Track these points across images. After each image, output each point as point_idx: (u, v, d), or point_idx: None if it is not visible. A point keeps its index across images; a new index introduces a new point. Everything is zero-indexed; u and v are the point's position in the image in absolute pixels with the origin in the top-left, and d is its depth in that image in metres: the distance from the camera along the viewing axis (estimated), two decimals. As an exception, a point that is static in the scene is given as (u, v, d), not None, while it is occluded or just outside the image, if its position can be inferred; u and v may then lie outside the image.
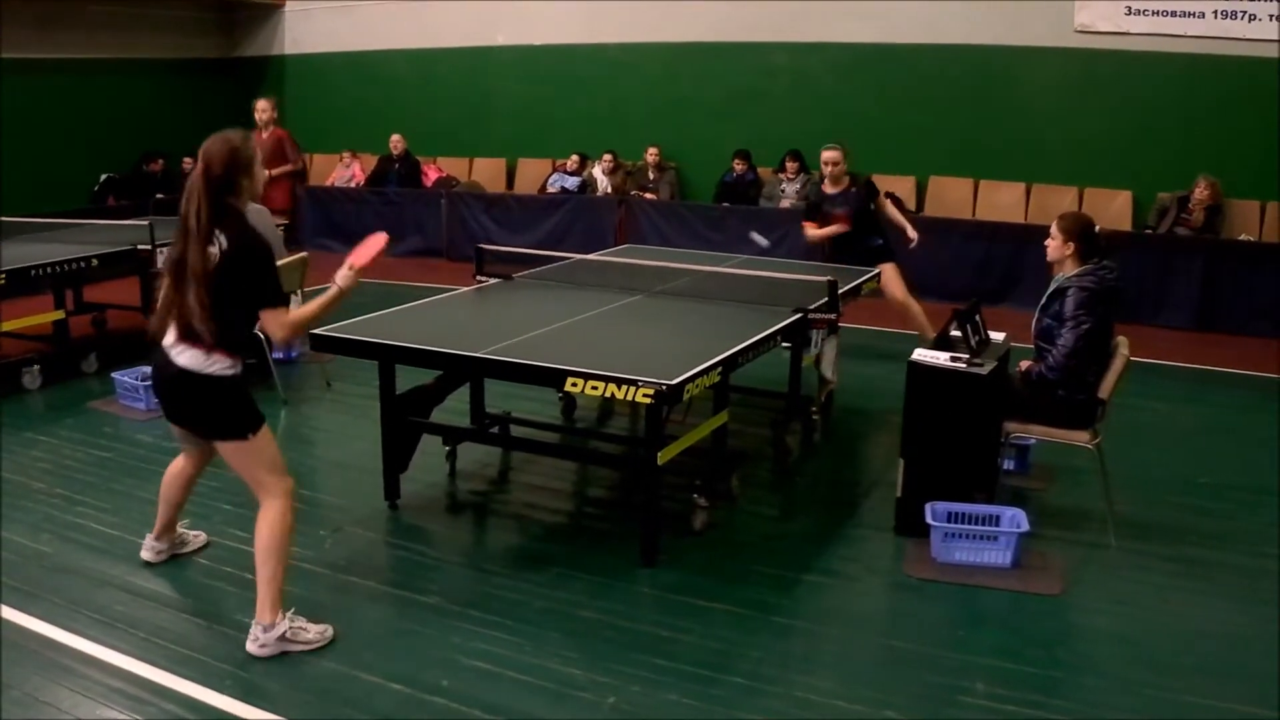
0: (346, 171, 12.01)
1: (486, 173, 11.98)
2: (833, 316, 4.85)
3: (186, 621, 3.59)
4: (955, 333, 4.35)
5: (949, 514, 4.06)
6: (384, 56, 12.47)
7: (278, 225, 6.03)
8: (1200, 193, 8.60)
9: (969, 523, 4.03)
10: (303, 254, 6.31)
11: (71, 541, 4.16)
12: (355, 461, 5.10)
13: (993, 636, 3.55)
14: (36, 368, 6.24)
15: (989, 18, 9.54)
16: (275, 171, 7.79)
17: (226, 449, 3.35)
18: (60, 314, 6.77)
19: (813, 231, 6.67)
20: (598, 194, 10.81)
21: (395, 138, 11.46)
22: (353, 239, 3.38)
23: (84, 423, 5.63)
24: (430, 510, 4.61)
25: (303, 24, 13.03)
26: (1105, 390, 4.23)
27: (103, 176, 11.75)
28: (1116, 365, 4.23)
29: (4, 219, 7.23)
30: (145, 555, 3.94)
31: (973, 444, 4.21)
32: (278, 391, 5.99)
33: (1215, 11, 8.78)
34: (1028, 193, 9.71)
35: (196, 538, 4.09)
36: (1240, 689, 3.21)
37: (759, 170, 10.42)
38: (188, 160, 10.94)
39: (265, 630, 3.31)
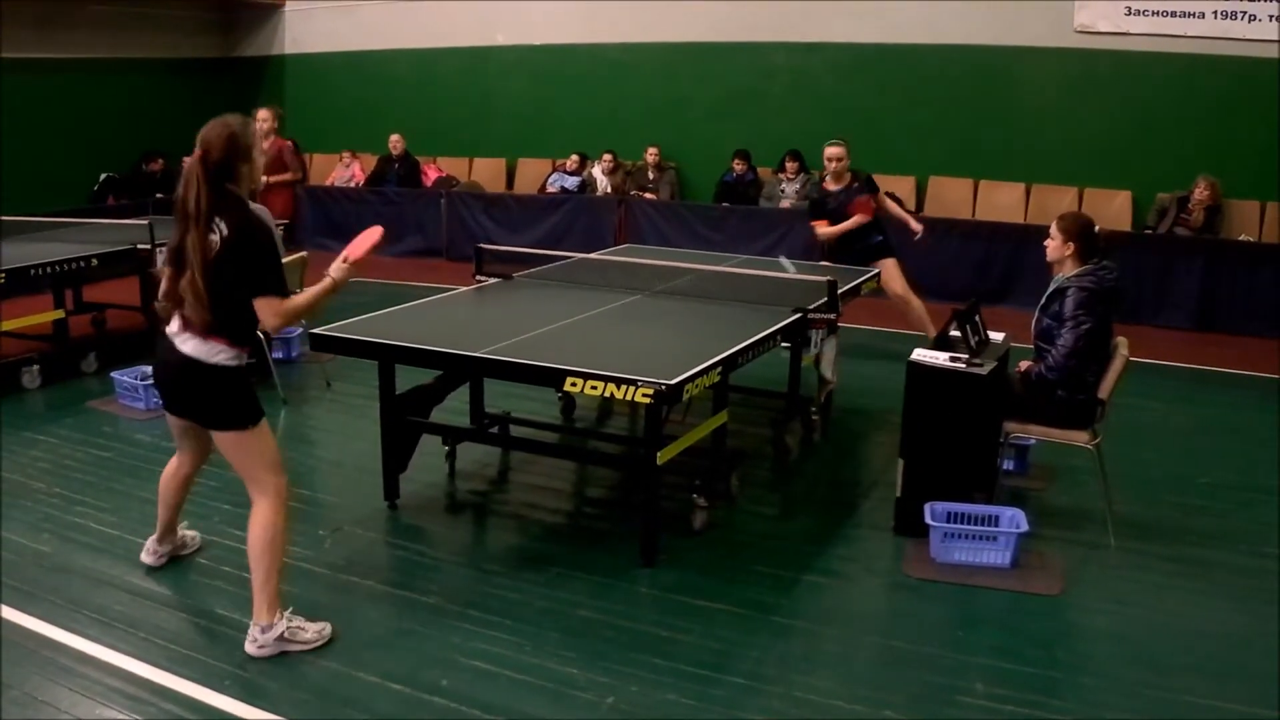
0: (346, 171, 12.01)
1: (486, 172, 11.98)
2: (832, 316, 4.85)
3: (186, 621, 3.59)
4: (955, 333, 4.35)
5: (948, 514, 4.06)
6: (384, 56, 12.46)
7: (277, 225, 6.03)
8: (1200, 193, 8.60)
9: (968, 523, 4.03)
10: (302, 253, 6.32)
11: (71, 541, 4.16)
12: (355, 461, 5.10)
13: (992, 636, 3.55)
14: (36, 367, 6.24)
15: (989, 18, 9.54)
16: (274, 179, 7.80)
17: (224, 441, 3.32)
18: (60, 313, 6.77)
19: (825, 229, 6.66)
20: (597, 194, 10.81)
21: (394, 138, 11.47)
22: (352, 239, 3.38)
23: (83, 422, 5.63)
24: (430, 510, 4.61)
25: (303, 24, 13.02)
26: (1105, 390, 4.23)
27: (102, 176, 11.75)
28: (1116, 365, 4.23)
29: (4, 218, 7.24)
30: (146, 559, 3.91)
31: (972, 444, 4.21)
32: (278, 391, 6.00)
33: (1215, 12, 8.78)
34: (1027, 193, 9.71)
35: (194, 540, 4.08)
36: (1239, 689, 3.21)
37: (759, 170, 10.42)
38: (187, 160, 10.90)
39: (263, 631, 3.30)
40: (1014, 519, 4.00)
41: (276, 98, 12.43)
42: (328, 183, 12.01)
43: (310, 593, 3.72)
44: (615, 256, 6.43)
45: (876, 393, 6.20)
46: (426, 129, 11.99)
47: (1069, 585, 3.90)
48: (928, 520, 4.02)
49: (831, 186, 6.75)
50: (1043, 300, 4.39)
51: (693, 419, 4.73)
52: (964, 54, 9.72)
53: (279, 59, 13.27)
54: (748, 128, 10.60)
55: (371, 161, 11.88)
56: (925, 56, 9.88)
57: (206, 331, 3.16)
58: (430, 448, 4.76)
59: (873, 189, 6.75)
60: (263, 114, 8.32)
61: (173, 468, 3.76)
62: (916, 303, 6.92)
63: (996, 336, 4.51)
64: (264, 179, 5.68)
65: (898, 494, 4.31)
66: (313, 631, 3.39)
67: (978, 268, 8.80)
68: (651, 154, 10.75)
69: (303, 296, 3.28)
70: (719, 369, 3.93)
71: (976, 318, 4.38)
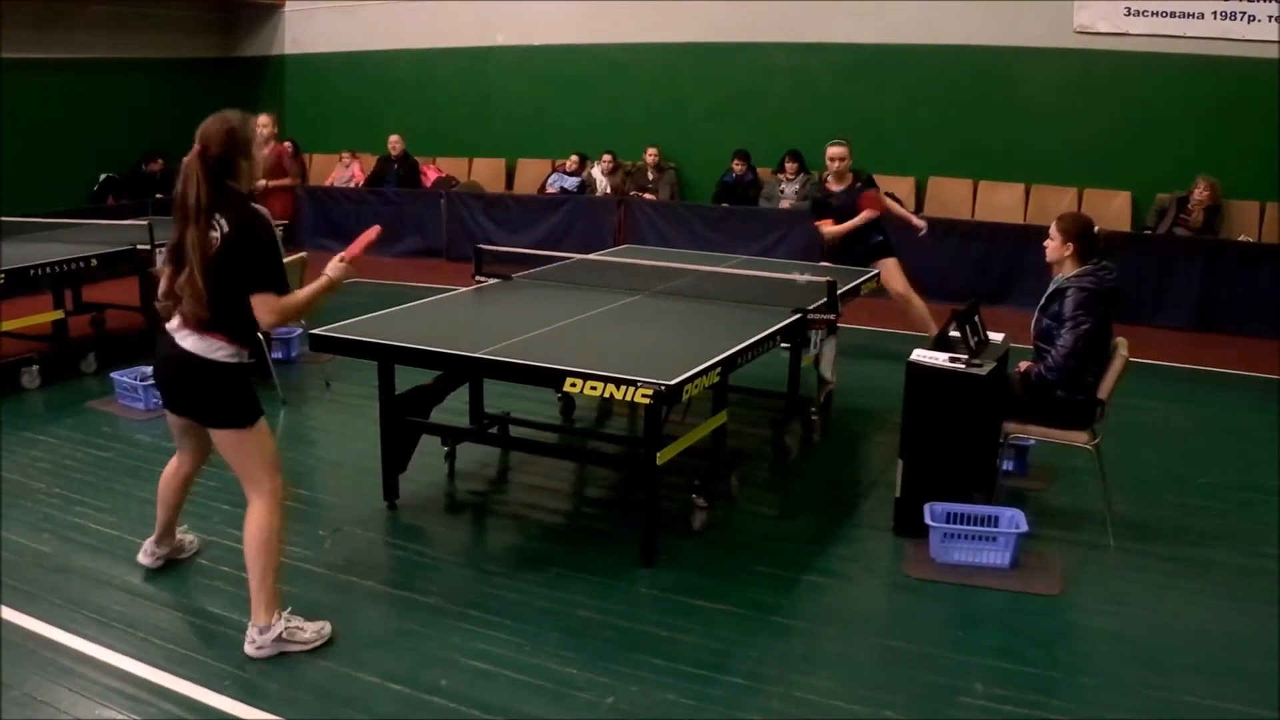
0: (346, 172, 12.01)
1: (486, 173, 11.98)
2: (832, 317, 4.85)
3: (185, 621, 3.59)
4: (954, 333, 4.35)
5: (948, 514, 4.06)
6: (384, 56, 12.46)
7: (277, 224, 6.03)
8: (1199, 193, 8.60)
9: (968, 523, 4.03)
10: (302, 254, 6.32)
11: (70, 541, 4.16)
12: (354, 461, 5.10)
13: (991, 637, 3.55)
14: (35, 367, 6.24)
15: (988, 18, 9.54)
16: (272, 184, 7.81)
17: (223, 439, 3.31)
18: (59, 314, 6.77)
19: (831, 228, 6.65)
20: (597, 194, 10.81)
21: (393, 138, 11.46)
22: (351, 239, 3.38)
23: (83, 422, 5.63)
24: (429, 510, 4.61)
25: (303, 24, 13.02)
26: (1104, 391, 4.23)
27: (102, 176, 11.74)
28: (1115, 366, 4.23)
29: (4, 219, 7.24)
30: (143, 560, 3.89)
31: (972, 444, 4.21)
32: (277, 391, 6.00)
33: (1215, 12, 8.78)
34: (1027, 193, 9.71)
35: (192, 544, 4.07)
36: (1239, 689, 3.21)
37: (758, 171, 10.42)
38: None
39: (261, 632, 3.30)
40: (1013, 519, 4.00)
41: (276, 98, 12.47)
42: (327, 183, 12.01)
43: (310, 593, 3.72)
44: (615, 257, 6.43)
45: (876, 393, 6.20)
46: (426, 129, 11.99)
47: (1069, 585, 3.90)
48: (927, 520, 4.02)
49: (834, 186, 6.75)
50: (1042, 301, 4.39)
51: (692, 419, 4.73)
52: (964, 54, 9.72)
53: (279, 59, 13.27)
54: (747, 128, 10.60)
55: (371, 162, 11.88)
56: (925, 56, 9.88)
57: (204, 327, 3.15)
58: (430, 448, 4.76)
59: (873, 188, 6.75)
60: (263, 119, 8.32)
61: (172, 468, 3.75)
62: (918, 301, 6.92)
63: (996, 337, 4.51)
64: (263, 182, 5.67)
65: (897, 494, 4.31)
66: (311, 631, 3.38)
67: (977, 268, 8.79)
68: (651, 154, 10.75)
69: (299, 294, 3.27)
70: (718, 369, 3.93)
71: (976, 318, 4.38)
